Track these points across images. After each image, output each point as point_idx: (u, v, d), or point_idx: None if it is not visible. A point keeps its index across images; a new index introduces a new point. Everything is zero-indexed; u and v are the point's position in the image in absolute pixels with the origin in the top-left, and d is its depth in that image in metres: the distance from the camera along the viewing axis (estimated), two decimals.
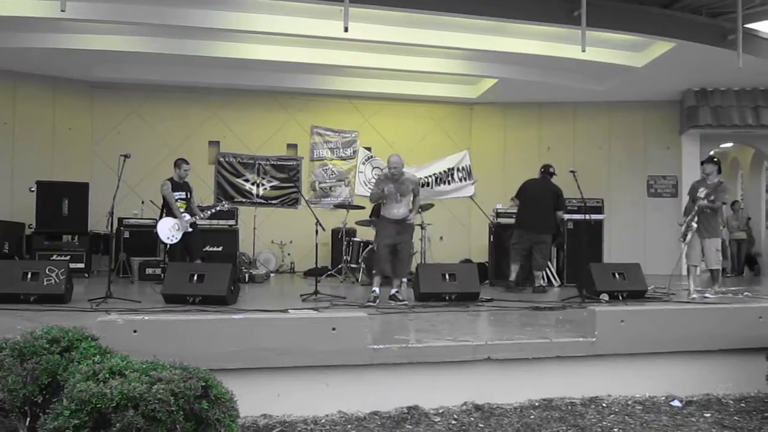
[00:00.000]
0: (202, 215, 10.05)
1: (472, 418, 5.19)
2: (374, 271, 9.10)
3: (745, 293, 10.40)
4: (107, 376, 3.47)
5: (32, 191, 11.67)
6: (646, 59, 12.35)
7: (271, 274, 13.19)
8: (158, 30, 11.44)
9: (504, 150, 15.55)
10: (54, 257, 11.36)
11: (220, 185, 13.75)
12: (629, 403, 5.72)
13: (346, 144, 14.77)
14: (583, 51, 10.14)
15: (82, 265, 11.69)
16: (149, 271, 11.55)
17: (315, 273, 10.16)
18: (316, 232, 9.39)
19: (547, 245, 11.02)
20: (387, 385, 5.35)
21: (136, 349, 4.33)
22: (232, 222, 12.01)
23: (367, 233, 12.54)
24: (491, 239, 12.21)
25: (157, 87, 14.01)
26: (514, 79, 13.39)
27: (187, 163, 10.05)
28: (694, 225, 9.67)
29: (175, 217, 9.62)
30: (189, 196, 9.94)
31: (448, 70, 13.48)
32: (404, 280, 9.29)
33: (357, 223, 12.67)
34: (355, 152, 13.98)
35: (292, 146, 14.81)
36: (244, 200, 13.53)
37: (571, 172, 10.16)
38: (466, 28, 11.43)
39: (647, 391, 5.91)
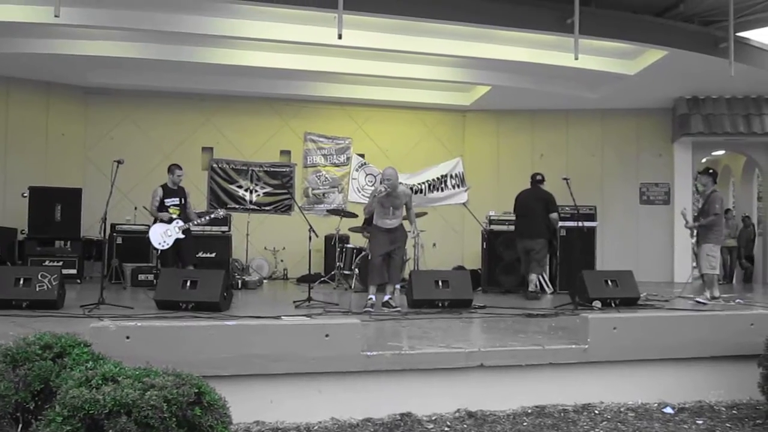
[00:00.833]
0: (198, 221, 10.04)
1: (465, 425, 5.20)
2: (369, 280, 9.10)
3: (737, 300, 10.42)
4: (100, 382, 3.47)
5: (25, 197, 11.63)
6: (638, 67, 12.39)
7: (264, 281, 13.17)
8: (152, 36, 11.42)
9: (497, 157, 15.57)
10: (46, 263, 11.34)
11: (213, 191, 13.70)
12: (622, 410, 5.74)
13: (339, 151, 14.74)
14: (576, 59, 10.17)
15: (74, 271, 11.66)
16: (142, 277, 11.52)
17: (308, 279, 10.17)
18: (309, 238, 9.38)
19: (539, 251, 11.05)
20: (380, 391, 5.36)
21: (129, 355, 4.33)
22: (225, 228, 12.01)
23: (360, 240, 12.54)
24: (484, 246, 12.23)
25: (150, 93, 14.00)
26: (507, 87, 13.41)
27: (180, 169, 10.05)
28: (691, 238, 10.25)
29: (162, 223, 9.64)
30: (183, 202, 9.93)
31: (441, 77, 13.51)
32: (397, 286, 9.30)
33: (350, 229, 12.67)
34: (348, 159, 13.96)
35: (286, 153, 14.80)
36: (237, 206, 13.47)
37: (564, 179, 10.22)
38: (460, 36, 11.45)
39: (640, 398, 5.93)
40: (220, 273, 8.52)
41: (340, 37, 9.19)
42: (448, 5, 10.49)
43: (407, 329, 7.18)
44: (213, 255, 11.58)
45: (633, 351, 5.98)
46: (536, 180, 11.39)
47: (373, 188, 11.44)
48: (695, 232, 10.28)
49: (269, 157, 14.26)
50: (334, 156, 14.44)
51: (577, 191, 10.61)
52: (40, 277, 7.90)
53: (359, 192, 12.10)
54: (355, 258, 11.93)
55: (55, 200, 11.94)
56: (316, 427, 5.06)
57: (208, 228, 11.64)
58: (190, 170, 13.48)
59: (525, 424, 5.28)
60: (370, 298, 8.77)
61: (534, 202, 11.18)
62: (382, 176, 9.04)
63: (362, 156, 13.10)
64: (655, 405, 5.87)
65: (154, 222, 9.81)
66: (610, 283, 9.43)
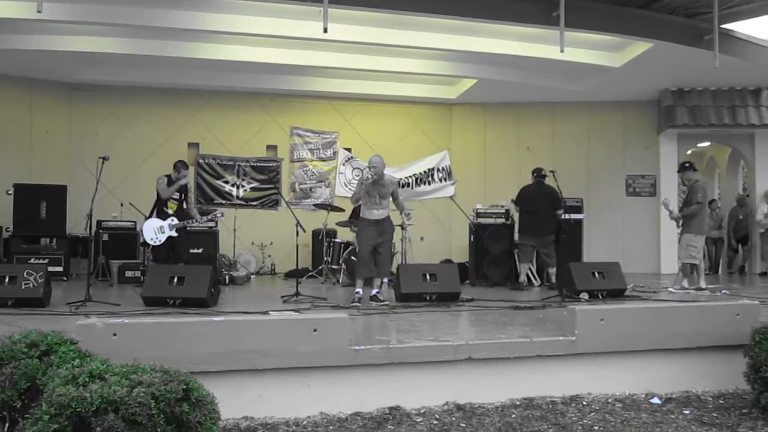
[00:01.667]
0: (199, 220, 9.96)
1: (454, 418, 5.21)
2: (357, 274, 9.10)
3: (723, 291, 10.49)
4: (87, 380, 3.45)
5: (9, 194, 11.56)
6: (624, 59, 12.44)
7: (252, 276, 13.16)
8: (137, 31, 11.36)
9: (484, 150, 15.59)
10: (32, 261, 11.29)
11: (199, 187, 13.69)
12: (609, 401, 5.76)
13: (326, 145, 14.75)
14: (562, 51, 10.20)
15: (60, 269, 11.61)
16: (129, 273, 11.47)
17: (296, 274, 10.14)
18: (297, 233, 9.37)
19: (552, 245, 11.10)
20: (368, 385, 5.36)
21: (116, 352, 4.31)
22: (212, 224, 11.97)
23: (347, 234, 12.54)
24: (471, 239, 12.25)
25: (136, 88, 13.94)
26: (493, 80, 13.43)
27: (186, 169, 10.03)
28: (677, 227, 10.48)
29: (162, 216, 9.64)
30: (183, 198, 9.89)
31: (427, 70, 13.51)
32: (385, 280, 9.31)
33: (337, 224, 12.66)
34: (335, 153, 13.97)
35: (272, 147, 14.77)
36: (224, 202, 13.48)
37: (551, 171, 10.25)
38: (445, 29, 11.45)
39: (627, 389, 5.95)
40: (207, 269, 8.50)
41: (325, 30, 9.18)
42: None
43: (395, 323, 7.18)
44: (200, 250, 11.55)
45: (620, 342, 6.00)
46: (541, 175, 11.40)
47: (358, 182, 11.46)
48: (680, 222, 10.39)
49: (256, 152, 14.25)
50: (321, 150, 14.45)
51: (563, 184, 10.64)
52: (25, 275, 7.84)
53: (346, 186, 12.09)
54: (343, 252, 11.94)
55: (41, 197, 11.87)
56: (305, 422, 5.05)
57: (194, 223, 11.58)
58: None
59: (513, 416, 5.29)
60: (358, 292, 8.78)
61: (542, 198, 11.21)
62: (368, 163, 9.05)
63: (349, 150, 13.10)
64: (643, 396, 5.90)
65: (150, 216, 9.77)
66: (597, 275, 9.46)
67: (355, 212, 10.90)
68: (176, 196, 9.84)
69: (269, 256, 14.34)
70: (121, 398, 3.32)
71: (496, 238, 11.91)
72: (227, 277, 11.85)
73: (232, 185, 14.02)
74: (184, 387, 3.56)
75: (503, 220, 12.14)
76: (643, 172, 15.28)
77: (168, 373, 3.62)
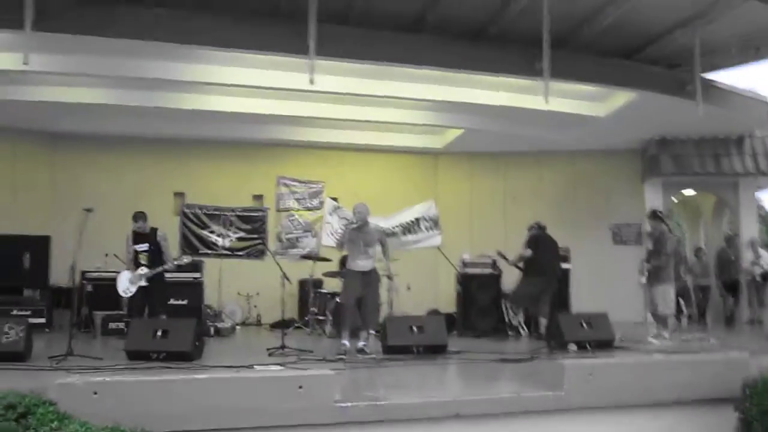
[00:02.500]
0: (169, 267, 9.81)
1: None
2: (342, 325, 9.02)
3: (711, 340, 10.43)
4: None
5: None
6: (608, 109, 12.56)
7: (237, 327, 13.01)
8: (122, 82, 11.39)
9: (470, 199, 15.62)
10: (14, 312, 11.13)
11: (185, 237, 13.58)
12: None
13: (312, 194, 14.70)
14: (546, 102, 10.29)
15: (43, 320, 11.44)
16: (112, 325, 11.27)
17: (282, 325, 10.05)
18: (283, 284, 9.29)
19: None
20: None
21: (97, 411, 4.23)
22: (197, 275, 11.86)
23: (334, 284, 12.45)
24: (458, 289, 12.19)
25: (120, 138, 13.92)
26: (480, 130, 13.52)
27: (141, 219, 9.87)
28: (640, 277, 10.39)
29: (135, 267, 9.58)
30: (153, 248, 9.76)
31: (413, 120, 13.58)
32: (372, 332, 9.22)
33: (324, 274, 12.58)
34: (321, 203, 13.93)
35: (258, 197, 14.75)
36: (209, 252, 13.36)
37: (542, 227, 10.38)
38: (431, 80, 11.52)
39: None
40: (191, 322, 8.39)
41: (311, 82, 9.24)
42: (418, 50, 10.63)
43: (382, 377, 7.10)
44: (185, 302, 11.41)
45: (609, 396, 5.94)
46: (541, 226, 11.44)
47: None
48: (645, 272, 10.35)
49: (242, 202, 14.19)
50: (307, 200, 14.40)
51: (550, 233, 10.64)
52: (6, 329, 7.70)
53: (333, 235, 12.03)
54: (329, 303, 11.84)
55: (23, 248, 11.76)
56: None
57: (178, 274, 11.47)
58: (162, 216, 13.37)
59: None
60: (344, 344, 8.69)
61: (553, 245, 11.33)
62: (353, 210, 9.03)
63: (336, 200, 13.07)
64: None
65: (126, 268, 9.71)
66: (585, 325, 9.40)
67: (343, 262, 10.83)
68: (144, 247, 9.73)
69: (255, 306, 14.21)
70: None
71: (484, 288, 11.85)
72: (212, 328, 11.70)
73: (218, 235, 13.92)
74: None
75: (490, 270, 12.09)
76: (628, 220, 15.32)
77: None
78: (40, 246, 11.89)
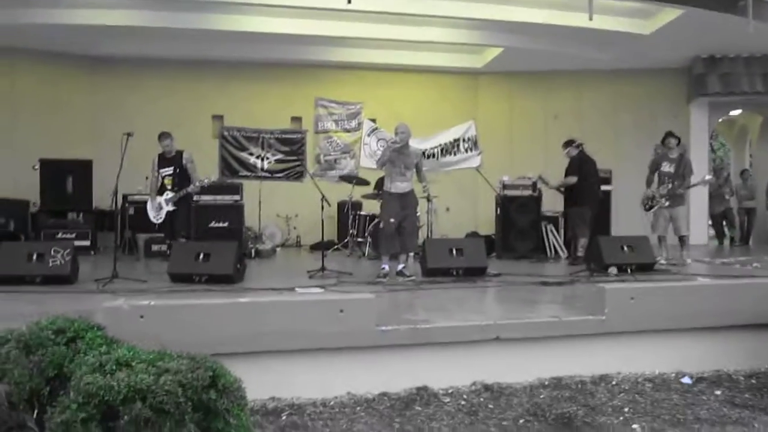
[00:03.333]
0: (191, 189, 9.68)
1: (482, 399, 5.17)
2: (382, 249, 9.05)
3: (755, 264, 10.32)
4: (114, 368, 3.43)
5: (36, 169, 11.62)
6: (653, 26, 12.18)
7: (278, 249, 13.16)
8: (160, 3, 11.33)
9: (510, 120, 15.41)
10: (59, 235, 11.36)
11: (224, 159, 13.63)
12: (639, 380, 5.69)
13: (350, 116, 14.61)
14: (590, 19, 9.97)
15: (87, 243, 11.69)
16: (155, 247, 11.47)
17: (321, 247, 10.10)
18: (322, 207, 9.32)
19: None
20: (395, 366, 5.34)
21: (143, 334, 4.29)
22: (237, 197, 11.93)
23: (373, 206, 12.48)
24: (498, 212, 12.13)
25: (158, 61, 13.89)
26: (520, 48, 13.22)
27: (167, 137, 9.77)
28: (663, 201, 10.23)
29: (161, 194, 9.58)
30: (178, 171, 9.65)
31: (452, 39, 13.34)
32: (411, 254, 9.25)
33: (363, 196, 12.61)
34: (359, 124, 13.84)
35: (297, 119, 14.71)
36: (249, 174, 13.41)
37: (578, 146, 10.14)
38: None
39: (657, 368, 5.88)
40: (233, 245, 8.50)
41: (349, 1, 9.06)
42: None
43: (422, 300, 7.16)
44: (225, 224, 11.51)
45: (650, 321, 5.91)
46: (581, 144, 11.15)
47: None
48: (663, 202, 10.26)
49: (280, 124, 14.16)
50: (346, 121, 14.32)
51: (590, 154, 10.48)
52: (53, 252, 7.88)
53: (371, 157, 11.99)
54: (368, 225, 11.89)
55: (66, 172, 11.94)
56: (332, 402, 5.04)
57: (219, 197, 11.59)
58: (201, 139, 13.46)
59: (542, 396, 5.24)
60: (383, 268, 8.73)
61: (596, 168, 11.14)
62: (395, 130, 8.95)
63: (374, 121, 12.97)
64: (673, 375, 5.82)
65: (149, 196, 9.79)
66: (625, 248, 9.33)
67: (380, 184, 10.82)
68: (169, 171, 9.66)
69: (295, 228, 14.34)
70: (148, 386, 3.29)
71: (523, 211, 11.78)
72: (253, 250, 11.85)
73: (257, 157, 13.94)
74: (211, 374, 3.52)
75: (530, 192, 11.98)
76: None
77: (195, 359, 3.59)
78: (82, 170, 12.05)
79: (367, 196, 12.46)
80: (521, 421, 4.72)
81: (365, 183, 12.52)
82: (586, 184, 10.78)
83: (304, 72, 14.66)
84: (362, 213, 12.42)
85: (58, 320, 3.93)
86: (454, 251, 8.96)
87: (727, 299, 6.18)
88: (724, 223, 15.65)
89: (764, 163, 16.54)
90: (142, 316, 4.78)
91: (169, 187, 9.60)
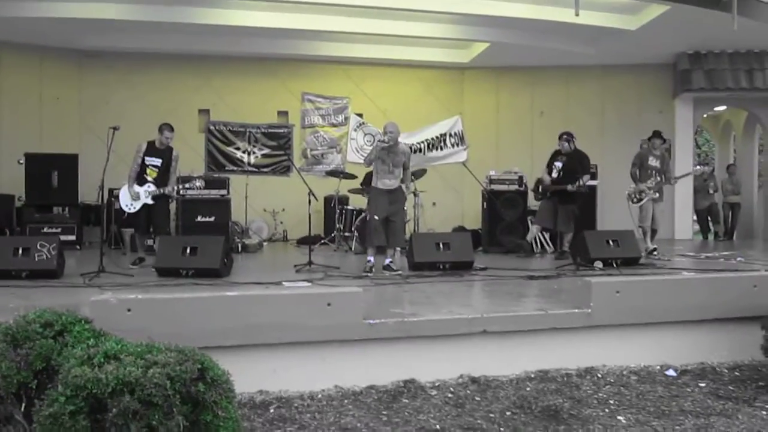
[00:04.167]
0: (168, 191, 9.48)
1: (469, 391, 5.21)
2: (368, 242, 9.08)
3: (738, 258, 10.41)
4: (102, 360, 3.43)
5: (21, 163, 11.56)
6: (640, 22, 12.22)
7: (264, 243, 13.15)
8: None
9: (496, 115, 15.44)
10: (45, 230, 11.32)
11: (210, 154, 13.65)
12: (624, 373, 5.75)
13: (337, 110, 14.65)
14: (577, 15, 10.01)
15: (73, 237, 11.64)
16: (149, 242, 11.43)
17: (308, 242, 10.12)
18: (309, 201, 9.33)
19: None
20: (383, 359, 5.36)
21: (130, 328, 4.31)
22: (223, 192, 11.91)
23: (359, 201, 12.49)
24: (484, 206, 12.17)
25: (146, 55, 13.82)
26: (506, 43, 13.24)
27: (171, 131, 9.52)
28: (653, 193, 10.69)
29: (141, 183, 9.26)
30: (164, 166, 9.38)
31: (439, 34, 13.33)
32: (398, 249, 9.28)
33: (349, 191, 12.61)
34: (346, 119, 13.87)
35: (283, 113, 14.67)
36: (235, 169, 13.42)
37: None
38: None
39: (642, 361, 5.94)
40: (220, 239, 8.49)
41: None
42: None
43: (409, 294, 7.17)
44: (212, 219, 11.48)
45: (636, 314, 5.96)
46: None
47: (372, 147, 11.37)
48: (652, 194, 10.72)
49: (267, 119, 14.16)
50: (332, 116, 14.36)
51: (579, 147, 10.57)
52: (39, 247, 7.85)
53: (358, 152, 11.99)
54: (355, 219, 11.91)
55: (52, 166, 11.87)
56: (319, 395, 5.06)
57: (206, 192, 11.56)
58: (187, 133, 13.41)
59: (528, 389, 5.28)
60: (369, 261, 8.76)
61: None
62: (384, 129, 8.98)
63: (360, 116, 12.98)
64: (658, 368, 5.88)
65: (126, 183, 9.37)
66: (611, 243, 9.39)
67: (367, 179, 10.84)
68: (157, 162, 9.34)
69: (281, 222, 14.32)
70: (137, 379, 3.30)
71: (510, 205, 11.82)
72: (240, 244, 11.85)
73: (243, 152, 13.96)
74: (199, 366, 3.54)
75: (517, 187, 12.04)
76: None
77: (183, 352, 3.59)
78: (68, 164, 11.97)
79: (353, 191, 12.47)
80: (508, 413, 4.76)
81: (352, 177, 12.53)
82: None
83: (290, 66, 14.62)
84: (349, 207, 12.43)
85: (46, 314, 3.93)
86: (441, 245, 9.00)
87: (711, 293, 6.24)
88: (709, 218, 15.78)
89: (748, 159, 16.69)
90: (129, 310, 4.77)
91: (151, 178, 9.28)
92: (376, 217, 8.76)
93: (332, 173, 12.90)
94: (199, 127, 14.13)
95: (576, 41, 13.34)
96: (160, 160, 9.37)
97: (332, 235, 12.46)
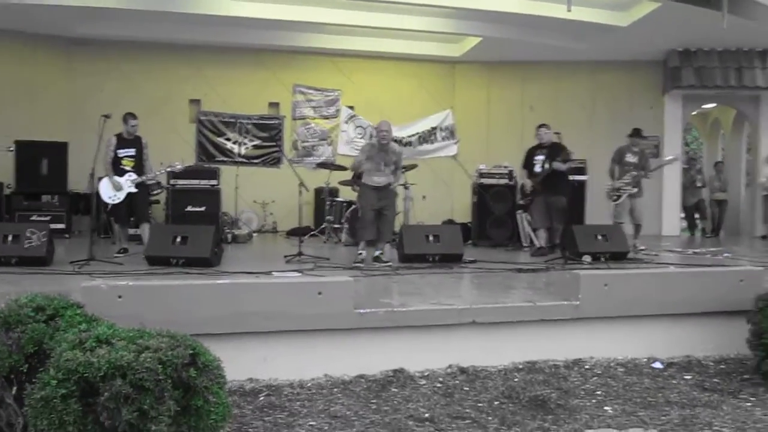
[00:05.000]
0: (153, 175, 9.62)
1: (458, 381, 5.25)
2: (359, 236, 9.12)
3: (725, 254, 10.49)
4: (94, 344, 3.44)
5: (11, 151, 11.50)
6: (631, 18, 12.29)
7: (254, 234, 13.15)
8: None
9: (487, 109, 15.48)
10: (34, 217, 11.28)
11: (201, 144, 13.58)
12: (611, 365, 5.80)
13: (328, 103, 14.61)
14: (569, 11, 10.05)
15: (62, 226, 11.60)
16: (131, 231, 11.39)
17: (298, 233, 10.14)
18: (300, 192, 9.34)
19: None
20: (372, 348, 5.39)
21: (121, 314, 4.31)
22: (214, 182, 11.92)
23: (349, 193, 12.51)
24: (474, 200, 12.22)
25: (138, 44, 13.78)
26: (498, 38, 13.28)
27: (134, 118, 9.51)
28: (630, 188, 10.67)
29: (119, 174, 9.23)
30: (138, 154, 9.40)
31: (431, 28, 13.36)
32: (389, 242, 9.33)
33: (340, 182, 12.63)
34: (337, 111, 13.84)
35: (274, 105, 14.66)
36: (225, 159, 13.37)
37: (556, 133, 10.20)
38: None
39: (629, 354, 5.99)
40: (210, 228, 8.49)
41: None
42: None
43: (399, 285, 7.21)
44: (202, 209, 11.48)
45: (623, 307, 6.02)
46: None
47: (363, 141, 11.39)
48: (630, 189, 10.69)
49: (258, 110, 14.11)
50: (324, 108, 14.32)
51: (566, 144, 10.59)
52: (28, 234, 7.83)
53: (349, 144, 12.02)
54: (345, 211, 11.93)
55: (42, 154, 11.84)
56: (309, 384, 5.09)
57: (196, 182, 11.57)
58: (178, 123, 13.42)
59: (516, 379, 5.32)
60: (360, 253, 8.79)
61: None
62: (377, 129, 9.02)
63: (352, 108, 12.98)
64: (645, 360, 5.93)
65: (106, 174, 9.32)
66: (599, 237, 9.45)
67: (357, 174, 10.86)
68: (131, 152, 9.35)
69: (271, 214, 14.32)
70: (129, 363, 3.31)
71: (499, 199, 11.86)
72: (230, 235, 11.84)
73: (234, 143, 13.89)
74: (191, 352, 3.55)
75: (506, 181, 12.08)
76: (647, 133, 15.14)
77: (174, 337, 3.61)
78: (58, 152, 11.95)
79: (344, 183, 12.48)
80: (496, 403, 4.80)
81: (342, 169, 12.53)
82: (566, 174, 10.76)
83: (282, 58, 14.62)
84: (339, 199, 12.45)
85: (38, 298, 3.93)
86: (431, 238, 9.03)
87: (697, 287, 6.29)
88: (697, 214, 15.88)
89: (736, 157, 16.79)
90: (120, 296, 4.78)
91: (129, 168, 9.27)
92: (367, 211, 8.79)
93: (323, 165, 12.90)
94: (190, 117, 14.09)
95: (567, 37, 13.39)
96: (134, 149, 9.41)
97: (322, 226, 12.48)
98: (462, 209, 13.80)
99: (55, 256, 8.26)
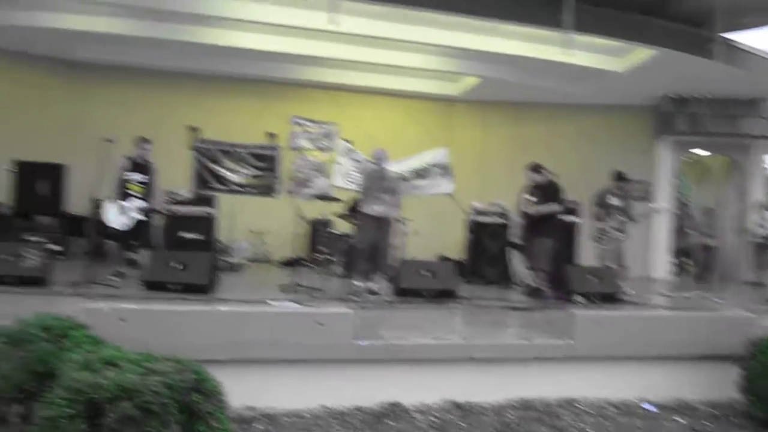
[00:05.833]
0: (162, 204, 9.70)
1: (452, 416, 5.29)
2: (355, 268, 9.17)
3: (714, 299, 10.56)
4: (101, 366, 3.49)
5: (8, 170, 11.53)
6: (627, 64, 12.48)
7: (246, 263, 13.16)
8: (140, 13, 11.31)
9: (483, 148, 15.61)
10: (31, 238, 11.23)
11: (198, 172, 13.65)
12: (604, 405, 5.85)
13: (325, 135, 14.68)
14: (569, 56, 10.23)
15: (59, 247, 11.57)
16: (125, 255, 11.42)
17: (291, 263, 10.17)
18: (297, 223, 9.39)
19: None
20: (369, 380, 5.44)
21: (124, 337, 4.35)
22: (210, 209, 11.97)
23: (344, 225, 12.55)
24: (469, 237, 12.30)
25: (136, 70, 13.89)
26: (497, 79, 13.44)
27: (148, 143, 9.51)
28: (620, 235, 10.66)
29: (122, 198, 9.16)
30: (147, 179, 9.38)
31: (430, 66, 13.51)
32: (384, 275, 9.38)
33: (337, 216, 12.69)
34: (333, 143, 13.96)
35: (271, 135, 14.74)
36: (222, 188, 13.43)
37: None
38: (452, 26, 11.44)
39: (621, 394, 6.04)
40: (208, 255, 8.55)
41: (333, 22, 9.20)
42: None
43: (395, 319, 7.26)
44: (197, 236, 11.50)
45: (617, 348, 6.10)
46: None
47: (358, 174, 11.48)
48: (616, 233, 10.67)
49: (255, 139, 14.21)
50: (320, 140, 14.41)
51: (561, 185, 10.73)
52: (26, 254, 7.86)
53: (344, 177, 12.10)
54: (340, 243, 11.97)
55: (40, 175, 11.87)
56: (306, 414, 5.12)
57: (193, 208, 11.62)
58: (175, 150, 13.43)
59: (510, 416, 5.38)
60: (356, 285, 8.84)
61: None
62: (372, 156, 9.14)
63: (350, 142, 13.08)
64: (636, 401, 5.99)
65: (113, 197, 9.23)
66: (592, 278, 9.55)
67: (354, 205, 10.93)
68: (139, 177, 9.32)
69: (265, 243, 14.35)
70: (136, 386, 3.36)
71: (493, 237, 11.97)
72: (227, 263, 11.87)
73: (230, 171, 13.98)
74: (196, 377, 3.61)
75: (500, 219, 12.19)
76: (639, 177, 15.33)
77: (180, 362, 3.67)
78: (56, 173, 11.98)
79: (339, 216, 12.54)
80: None
81: (338, 200, 12.61)
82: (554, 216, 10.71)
83: (280, 89, 14.75)
84: (334, 231, 12.49)
85: (46, 318, 3.98)
86: (426, 273, 9.10)
87: (689, 331, 6.38)
88: (685, 258, 15.98)
89: (725, 202, 16.95)
90: (122, 319, 4.82)
91: (135, 193, 9.25)
92: (365, 242, 8.86)
93: (321, 197, 12.97)
94: (188, 144, 14.14)
95: (564, 80, 13.57)
96: (144, 176, 9.44)
97: (316, 257, 12.51)
98: (453, 246, 13.85)
99: (52, 277, 8.26)
